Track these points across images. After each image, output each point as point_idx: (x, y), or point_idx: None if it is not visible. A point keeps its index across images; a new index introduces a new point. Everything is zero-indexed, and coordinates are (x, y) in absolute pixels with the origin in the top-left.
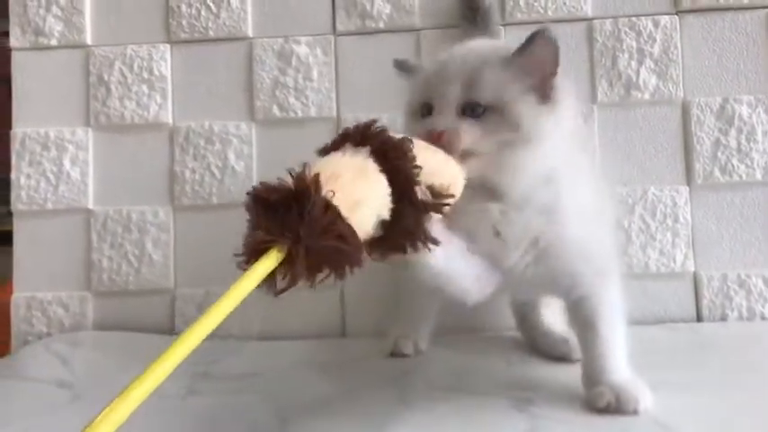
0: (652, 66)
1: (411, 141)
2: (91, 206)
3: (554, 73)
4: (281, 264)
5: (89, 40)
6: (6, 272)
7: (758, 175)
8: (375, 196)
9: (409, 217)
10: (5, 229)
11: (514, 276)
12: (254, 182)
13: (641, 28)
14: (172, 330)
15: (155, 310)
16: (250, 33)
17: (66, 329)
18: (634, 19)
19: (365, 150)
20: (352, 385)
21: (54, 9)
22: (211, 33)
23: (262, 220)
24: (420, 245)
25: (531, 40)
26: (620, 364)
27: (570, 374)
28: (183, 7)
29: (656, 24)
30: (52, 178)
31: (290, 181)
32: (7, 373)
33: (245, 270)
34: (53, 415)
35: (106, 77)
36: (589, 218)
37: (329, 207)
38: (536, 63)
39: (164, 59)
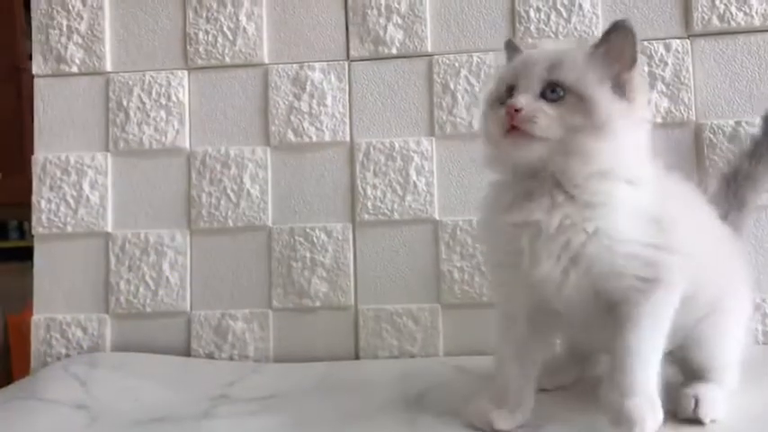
0: (664, 89)
1: None
2: (109, 229)
3: (630, 66)
4: None
5: (109, 67)
6: (27, 288)
7: None
8: None
9: None
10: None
11: (554, 290)
12: (269, 205)
13: (653, 52)
14: (188, 352)
15: (171, 331)
16: (266, 60)
17: (84, 351)
18: (645, 43)
19: None
20: (365, 409)
21: (75, 37)
22: (228, 60)
23: None
24: None
25: (610, 29)
26: (638, 382)
27: (578, 401)
28: (201, 34)
29: (667, 48)
30: (72, 202)
31: None
32: (26, 394)
33: None
34: None
35: (125, 103)
36: (651, 222)
37: None
38: (614, 53)
39: (181, 86)
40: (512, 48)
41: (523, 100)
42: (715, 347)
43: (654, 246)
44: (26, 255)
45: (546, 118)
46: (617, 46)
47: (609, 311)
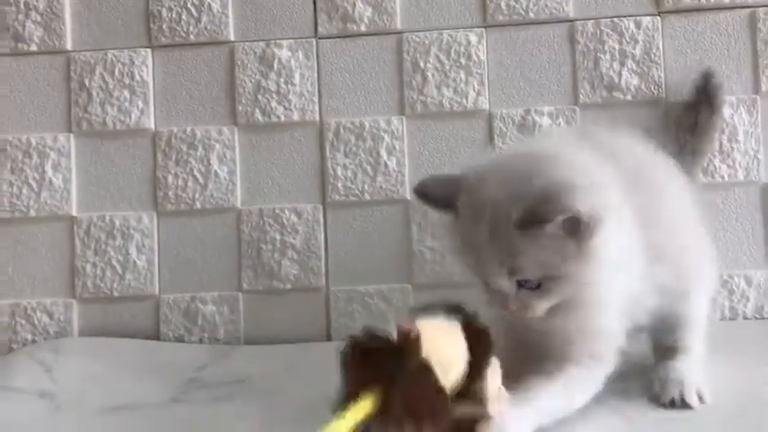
0: (634, 67)
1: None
2: (74, 213)
3: (589, 234)
4: (374, 411)
5: (69, 46)
6: None
7: (740, 176)
8: (458, 372)
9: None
10: None
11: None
12: (238, 187)
13: (623, 29)
14: (157, 336)
15: (140, 315)
16: (231, 37)
17: (51, 336)
18: (616, 20)
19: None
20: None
21: (33, 15)
22: (192, 38)
23: (356, 367)
24: None
25: (541, 220)
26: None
27: None
28: (164, 11)
29: (637, 25)
30: (34, 185)
31: (393, 333)
32: None
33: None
34: (32, 427)
35: (87, 83)
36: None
37: (427, 369)
38: (556, 243)
39: (145, 64)
40: (423, 196)
41: (512, 303)
42: (691, 322)
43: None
44: None
45: (538, 307)
46: (557, 238)
47: None
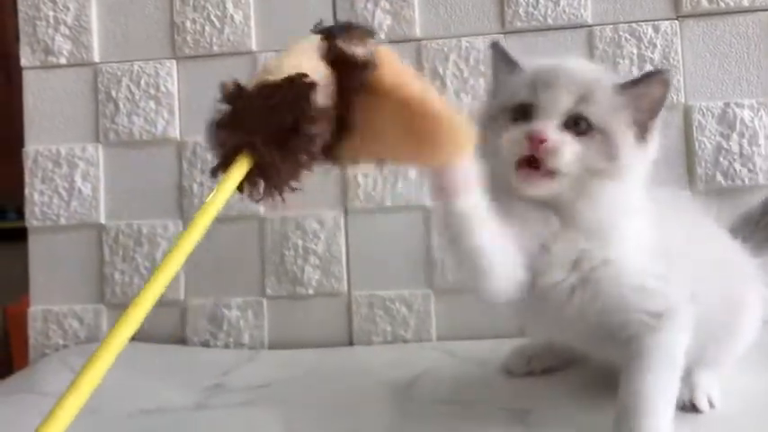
0: None
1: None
2: (103, 221)
3: (656, 115)
4: (255, 166)
5: (97, 58)
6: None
7: (761, 179)
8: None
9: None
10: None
11: (558, 303)
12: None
13: (642, 34)
14: (183, 340)
15: (166, 320)
16: (254, 47)
17: (81, 341)
18: (634, 25)
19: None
20: (358, 396)
21: (62, 28)
22: (216, 48)
23: (227, 129)
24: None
25: (649, 76)
26: (652, 417)
27: (568, 386)
28: (188, 23)
29: (656, 30)
30: (64, 194)
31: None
32: (25, 388)
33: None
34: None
35: (114, 94)
36: (655, 252)
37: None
38: (647, 101)
39: (170, 75)
40: (500, 52)
41: (550, 131)
42: (727, 347)
43: (661, 277)
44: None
45: (571, 153)
46: (652, 95)
47: (612, 345)
